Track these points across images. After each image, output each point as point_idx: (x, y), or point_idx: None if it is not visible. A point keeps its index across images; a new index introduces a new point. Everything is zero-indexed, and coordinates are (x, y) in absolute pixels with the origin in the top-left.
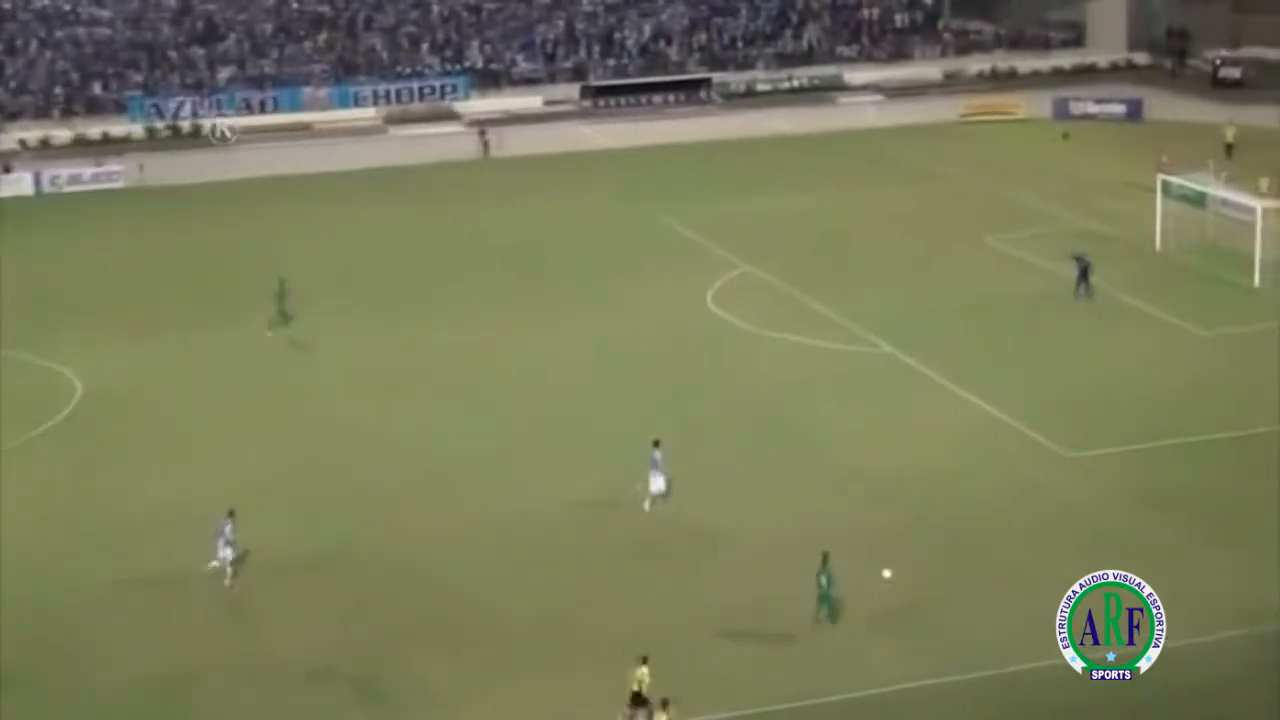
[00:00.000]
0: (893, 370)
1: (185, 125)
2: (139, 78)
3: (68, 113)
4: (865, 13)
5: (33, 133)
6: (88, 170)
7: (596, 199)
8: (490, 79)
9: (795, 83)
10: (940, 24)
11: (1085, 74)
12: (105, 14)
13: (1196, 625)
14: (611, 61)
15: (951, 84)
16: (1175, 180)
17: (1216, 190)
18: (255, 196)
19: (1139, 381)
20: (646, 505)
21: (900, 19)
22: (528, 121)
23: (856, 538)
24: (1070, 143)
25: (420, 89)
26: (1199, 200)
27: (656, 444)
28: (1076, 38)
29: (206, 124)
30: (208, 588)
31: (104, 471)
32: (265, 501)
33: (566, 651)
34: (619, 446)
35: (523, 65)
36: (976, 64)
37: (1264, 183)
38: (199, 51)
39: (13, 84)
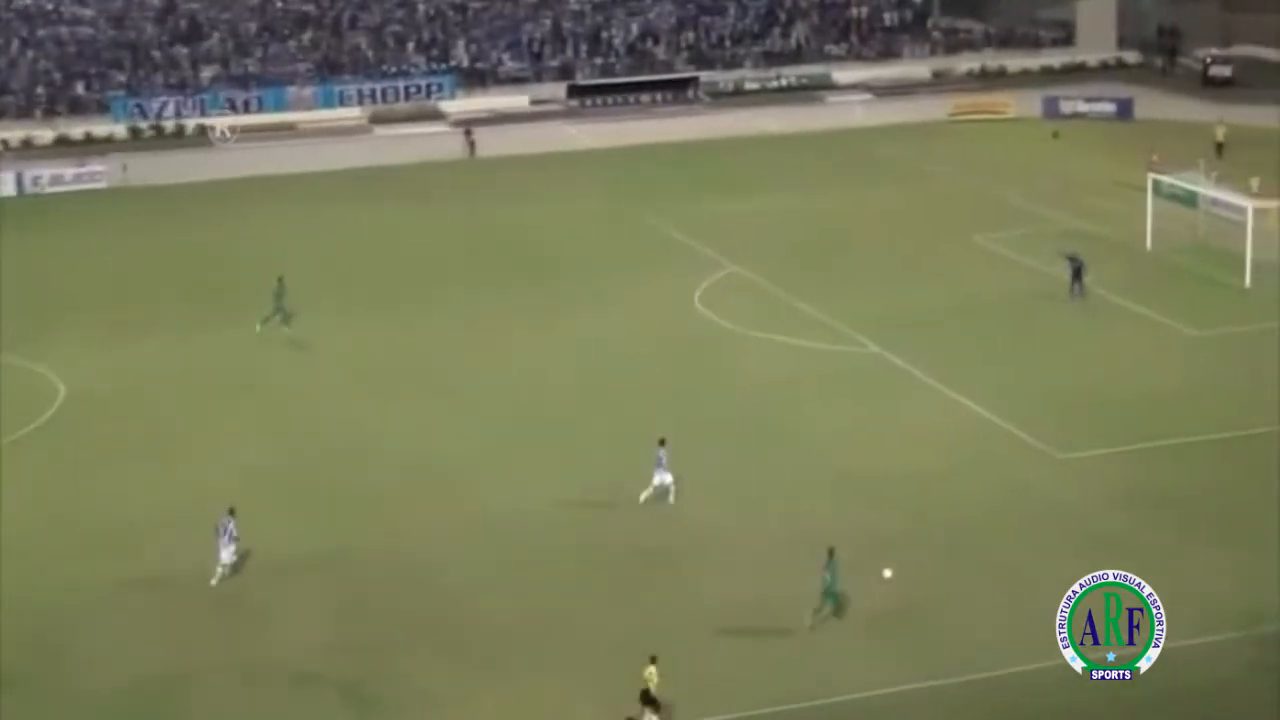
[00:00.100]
0: (881, 371)
1: (169, 125)
2: (122, 77)
3: (50, 113)
4: (854, 11)
5: (15, 133)
6: (70, 171)
7: (583, 199)
8: (476, 78)
9: (783, 81)
10: (929, 22)
11: (1075, 73)
12: (88, 13)
13: (1191, 627)
14: (598, 60)
15: (940, 83)
16: (1166, 179)
17: (1207, 190)
18: (240, 197)
19: (1130, 382)
20: (642, 496)
21: (889, 17)
22: (514, 121)
23: (848, 539)
24: (1060, 142)
25: (405, 88)
26: (1190, 200)
27: (662, 442)
28: (1066, 36)
29: (208, 124)
30: (201, 588)
31: (88, 474)
32: (258, 502)
33: (562, 652)
34: (609, 447)
35: (509, 64)
36: (966, 63)
37: (1255, 182)
38: (182, 51)
39: None
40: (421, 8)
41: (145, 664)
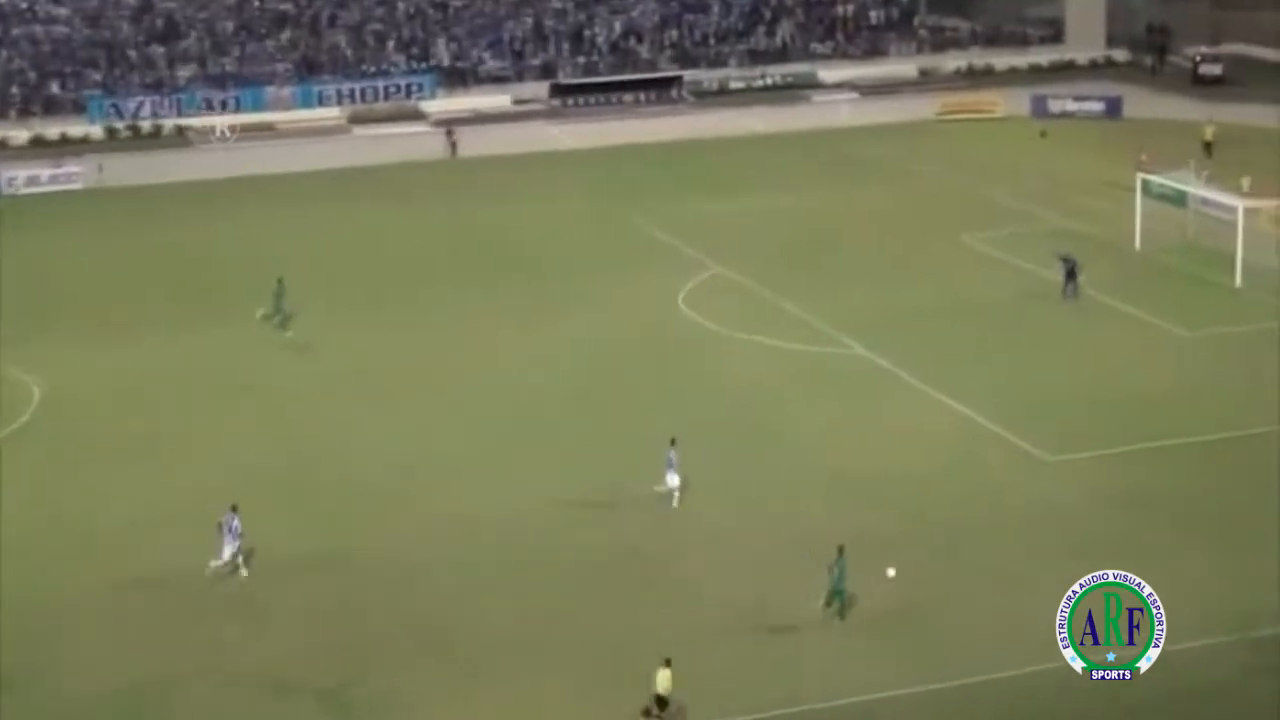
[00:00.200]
0: (867, 372)
1: (146, 125)
2: (98, 77)
3: (25, 113)
4: (840, 9)
5: None
6: (46, 172)
7: (566, 200)
8: (457, 77)
9: (768, 80)
10: (916, 20)
11: (1063, 71)
12: (63, 12)
13: (1183, 630)
14: (581, 59)
15: (927, 81)
16: (1155, 179)
17: (1197, 189)
18: (218, 198)
19: (1120, 383)
20: (674, 501)
21: (875, 15)
22: (495, 121)
23: (839, 541)
24: (1048, 141)
25: (385, 88)
26: (1179, 199)
27: (673, 442)
28: (1055, 34)
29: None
30: (186, 590)
31: (63, 477)
32: (246, 504)
33: (554, 657)
34: (596, 449)
35: (490, 63)
36: (953, 61)
37: (1245, 181)
38: (159, 50)
39: None
40: (401, 6)
41: (126, 669)
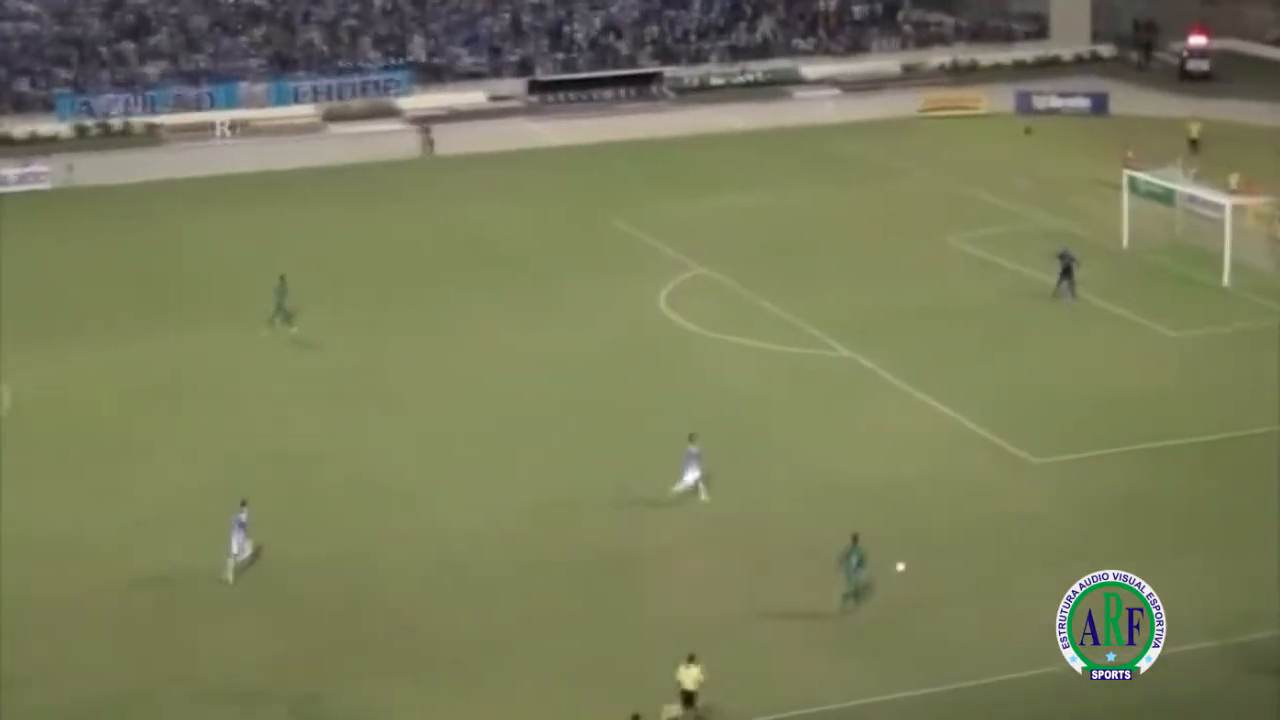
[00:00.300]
0: (850, 374)
1: (116, 123)
2: (67, 74)
3: None
4: (822, 4)
5: None
6: (13, 171)
7: (544, 199)
8: (433, 74)
9: (749, 77)
10: (899, 16)
11: (1049, 67)
12: (32, 8)
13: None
14: (559, 55)
15: (911, 77)
16: (1142, 176)
17: (1185, 187)
18: (190, 197)
19: (1106, 385)
20: (702, 495)
21: (858, 11)
22: (472, 118)
23: (821, 547)
24: (1033, 138)
25: (360, 84)
26: (1167, 197)
27: (692, 438)
28: (1039, 29)
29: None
30: (155, 597)
31: (25, 485)
32: (207, 517)
33: (528, 668)
34: (575, 456)
35: (467, 59)
36: (936, 57)
37: (1234, 179)
38: (130, 47)
39: None
40: (376, 1)
41: (82, 686)
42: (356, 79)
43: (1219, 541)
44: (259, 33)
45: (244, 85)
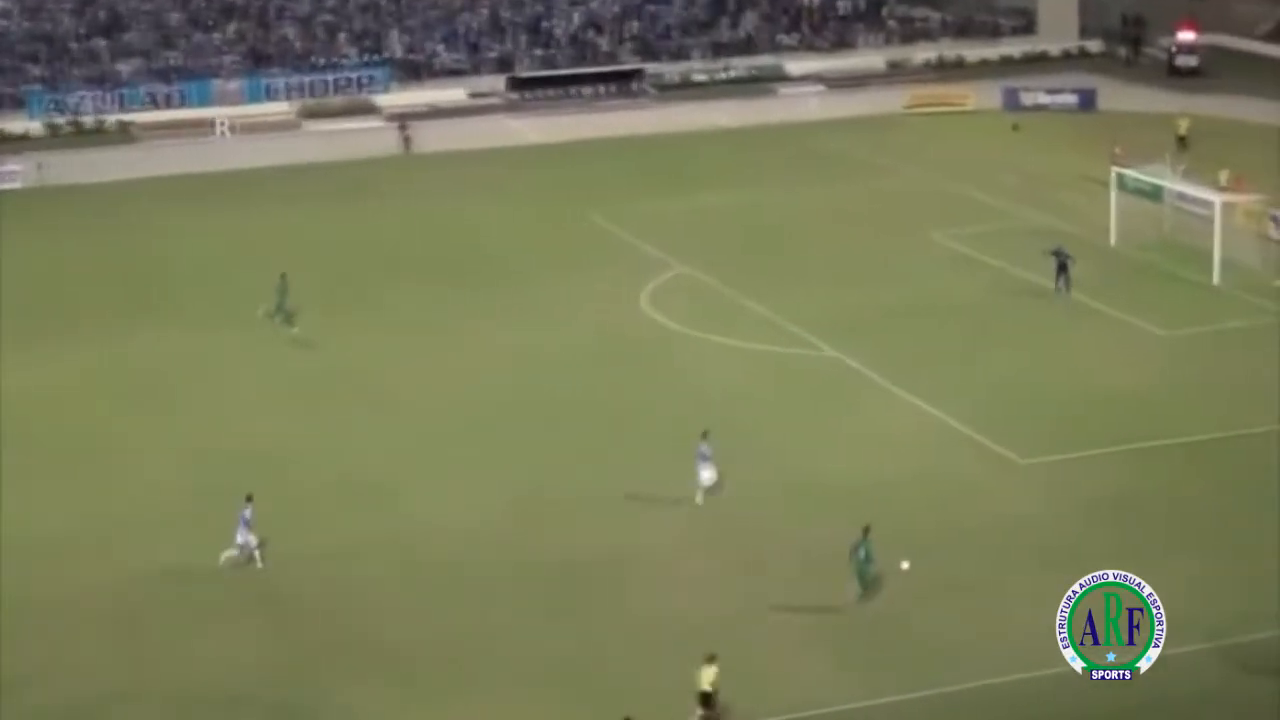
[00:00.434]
0: (835, 374)
1: (88, 121)
2: (38, 71)
3: None
4: (806, 0)
5: None
6: None
7: (524, 197)
8: (411, 70)
9: (733, 73)
10: (884, 11)
11: (1036, 63)
12: (1, 4)
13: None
14: (539, 52)
15: (896, 74)
16: (1130, 173)
17: (1174, 184)
18: (164, 196)
19: (1095, 384)
20: (699, 499)
21: (842, 6)
22: (451, 115)
23: (806, 549)
24: (1020, 134)
25: (337, 81)
26: (1155, 194)
27: (705, 435)
28: (1027, 25)
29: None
30: (128, 607)
31: (11, 485)
32: (183, 517)
33: (504, 671)
34: (555, 458)
35: (445, 56)
36: (922, 53)
37: (1224, 175)
38: (102, 43)
39: None
40: None
41: (54, 692)
42: (332, 76)
43: (1210, 542)
44: (233, 29)
45: (218, 82)
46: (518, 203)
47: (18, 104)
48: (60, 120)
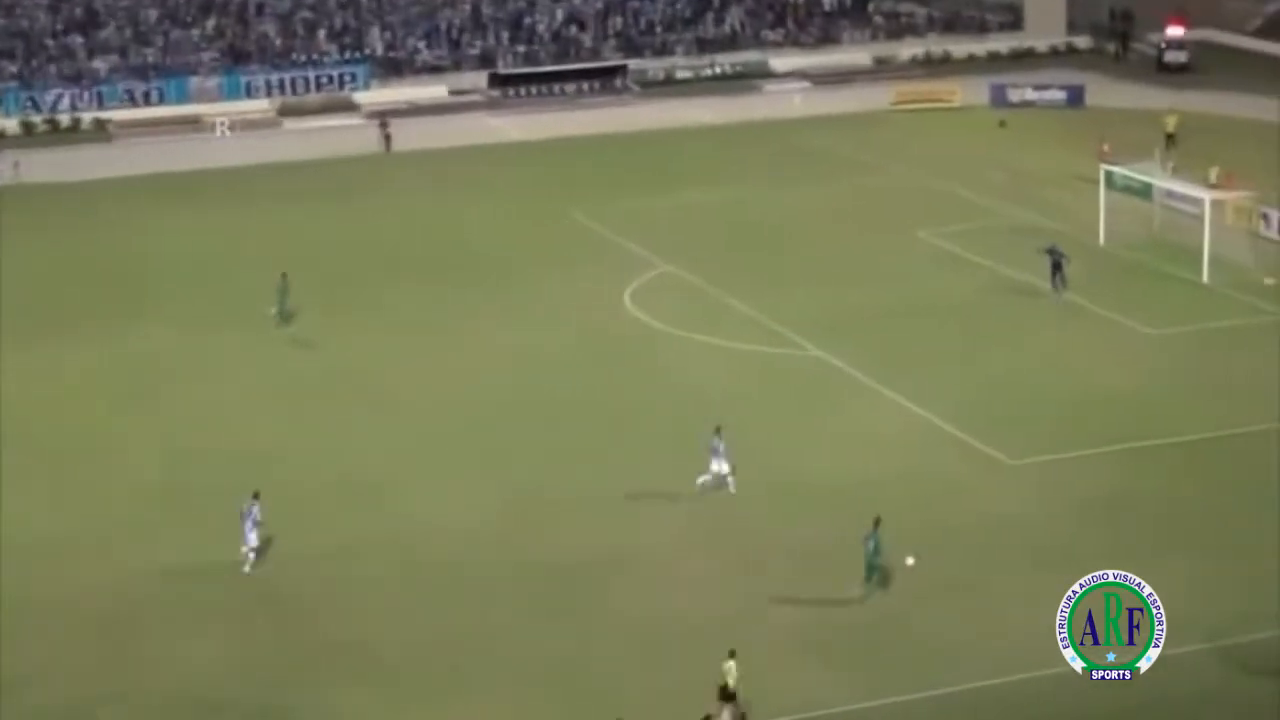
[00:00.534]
0: (821, 374)
1: (64, 119)
2: (13, 68)
3: None
4: None
5: None
6: None
7: (506, 195)
8: (391, 67)
9: (717, 70)
10: (870, 6)
11: (1024, 58)
12: None
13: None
14: (521, 48)
15: (882, 70)
16: (1120, 171)
17: (1163, 181)
18: (141, 195)
19: (1084, 384)
20: (730, 487)
21: (828, 1)
22: (432, 113)
23: (791, 550)
24: (1008, 131)
25: (316, 78)
26: (1144, 191)
27: (718, 431)
28: (1014, 20)
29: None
30: (112, 612)
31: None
32: (181, 517)
33: (491, 673)
34: (538, 458)
35: (426, 53)
36: (909, 49)
37: (1214, 172)
38: (78, 40)
39: None
40: None
41: (39, 695)
42: (312, 73)
43: (1203, 542)
44: (211, 25)
45: (195, 80)
46: (499, 201)
47: None
48: (36, 118)
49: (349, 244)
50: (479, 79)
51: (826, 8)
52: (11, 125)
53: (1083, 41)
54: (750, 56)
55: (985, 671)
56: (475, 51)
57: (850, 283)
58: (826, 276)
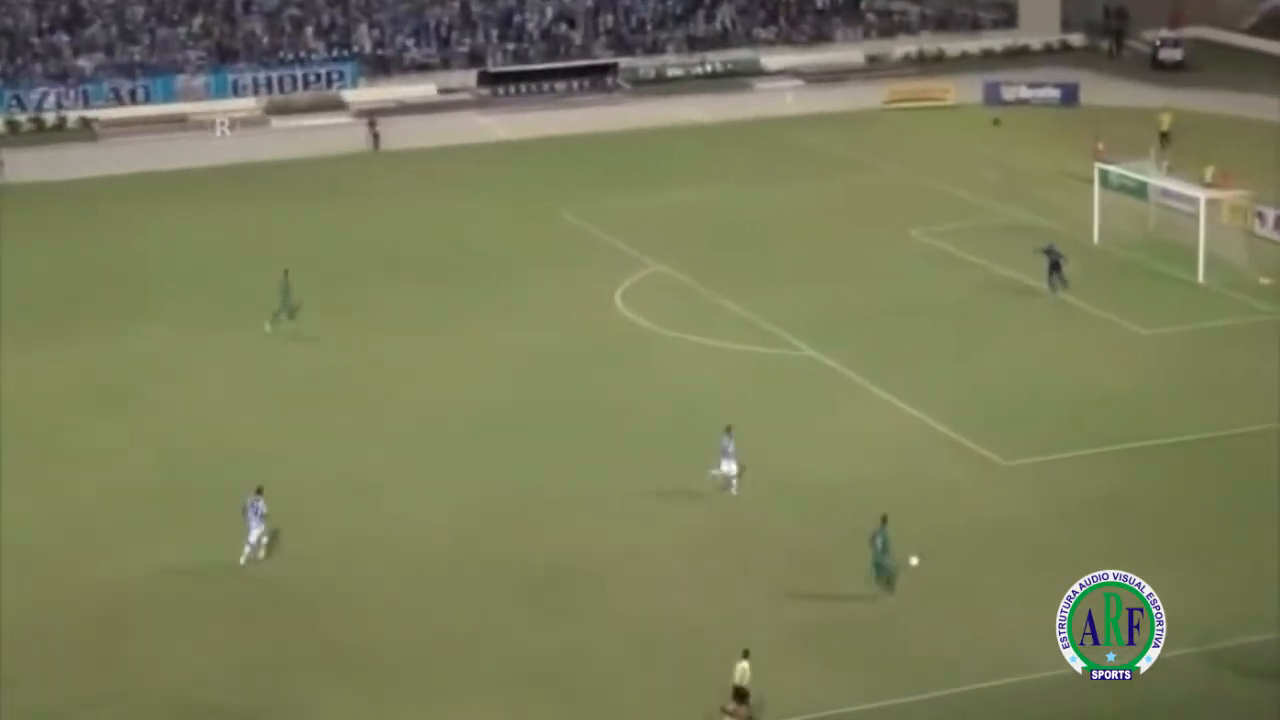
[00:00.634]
0: (814, 374)
1: (50, 118)
2: None
3: None
4: None
5: None
6: None
7: (496, 194)
8: (380, 66)
9: (708, 68)
10: (863, 4)
11: (1018, 56)
12: None
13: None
14: (511, 46)
15: (875, 68)
16: (1114, 169)
17: (1158, 180)
18: (128, 194)
19: (1078, 384)
20: (733, 489)
21: None
22: (421, 111)
23: (784, 552)
24: (1002, 129)
25: (304, 77)
26: (1139, 190)
27: (728, 430)
28: (1008, 18)
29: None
30: (85, 611)
31: None
32: (171, 516)
33: (482, 676)
34: (529, 458)
35: (415, 51)
36: (902, 46)
37: (1209, 171)
38: (64, 38)
39: None
40: None
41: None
42: (300, 71)
43: (1200, 543)
44: (198, 23)
45: (182, 78)
46: (489, 200)
47: None
48: (21, 117)
49: (339, 243)
50: (468, 77)
51: (819, 5)
52: None
53: (1077, 39)
54: (742, 54)
55: (985, 673)
56: (464, 50)
57: (843, 282)
58: (819, 276)
